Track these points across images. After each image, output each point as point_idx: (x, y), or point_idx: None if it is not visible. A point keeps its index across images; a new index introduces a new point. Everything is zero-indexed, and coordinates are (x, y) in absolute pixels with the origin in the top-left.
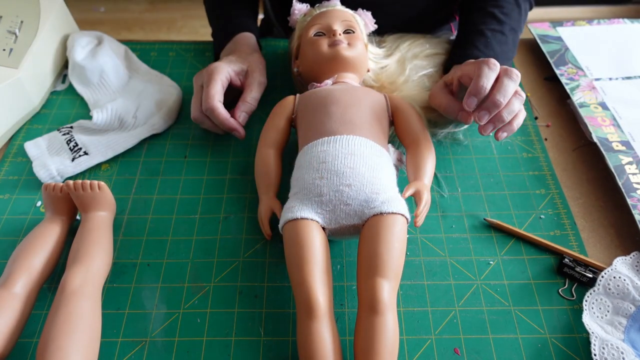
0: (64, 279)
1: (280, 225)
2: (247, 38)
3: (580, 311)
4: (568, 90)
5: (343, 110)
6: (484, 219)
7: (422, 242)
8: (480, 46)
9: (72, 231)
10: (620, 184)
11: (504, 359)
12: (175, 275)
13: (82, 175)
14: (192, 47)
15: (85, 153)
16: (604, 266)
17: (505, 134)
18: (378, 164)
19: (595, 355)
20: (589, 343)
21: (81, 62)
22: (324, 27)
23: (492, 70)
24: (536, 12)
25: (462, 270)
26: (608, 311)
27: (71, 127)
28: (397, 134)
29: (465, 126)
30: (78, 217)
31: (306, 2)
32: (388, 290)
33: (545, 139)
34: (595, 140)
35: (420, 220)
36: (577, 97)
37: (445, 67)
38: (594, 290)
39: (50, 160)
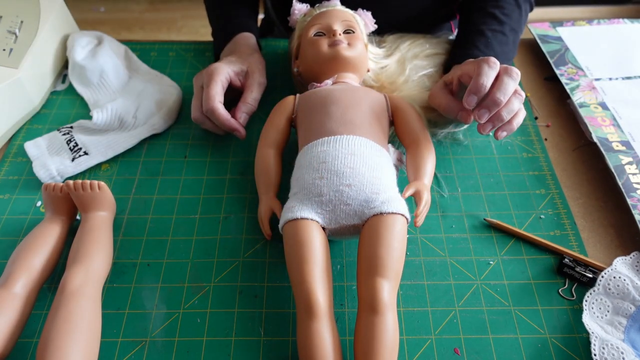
0: (64, 279)
1: (280, 225)
2: (247, 38)
3: (580, 311)
4: (568, 90)
5: (343, 110)
6: (484, 219)
7: (422, 242)
8: (481, 46)
9: (72, 231)
10: (620, 184)
11: (504, 359)
12: (175, 275)
13: (82, 175)
14: (192, 47)
15: (85, 153)
16: (604, 266)
17: (504, 133)
18: (378, 164)
19: (595, 355)
20: (589, 343)
21: (81, 62)
22: (324, 27)
23: (492, 68)
24: (536, 12)
25: (462, 270)
26: (608, 311)
27: (71, 127)
28: (397, 134)
29: (465, 126)
30: (78, 217)
31: (306, 2)
32: (388, 290)
33: (545, 139)
34: (595, 140)
35: (420, 220)
36: (577, 97)
37: (445, 67)
38: (594, 290)
39: (50, 160)
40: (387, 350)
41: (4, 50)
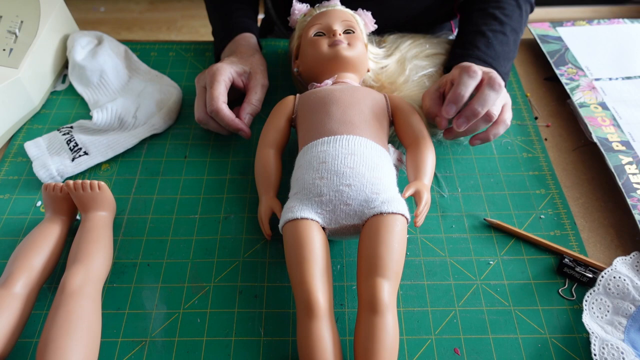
0: (64, 279)
1: (280, 225)
2: (248, 38)
3: (580, 311)
4: (568, 90)
5: (343, 110)
6: (484, 219)
7: (422, 242)
8: (482, 46)
9: (72, 231)
10: (620, 184)
11: (504, 359)
12: (175, 275)
13: (82, 175)
14: (192, 47)
15: (85, 153)
16: (604, 266)
17: (478, 142)
18: (378, 164)
19: (595, 355)
20: (589, 343)
21: (81, 62)
22: (324, 27)
23: (472, 78)
24: (536, 12)
25: (462, 270)
26: (608, 311)
27: (71, 127)
28: (397, 134)
29: (440, 132)
30: (78, 217)
31: (306, 2)
32: (388, 290)
33: (545, 139)
34: (595, 140)
35: (420, 220)
36: (577, 97)
37: (445, 67)
38: (594, 290)
39: (50, 160)
40: (387, 350)
41: (4, 50)
